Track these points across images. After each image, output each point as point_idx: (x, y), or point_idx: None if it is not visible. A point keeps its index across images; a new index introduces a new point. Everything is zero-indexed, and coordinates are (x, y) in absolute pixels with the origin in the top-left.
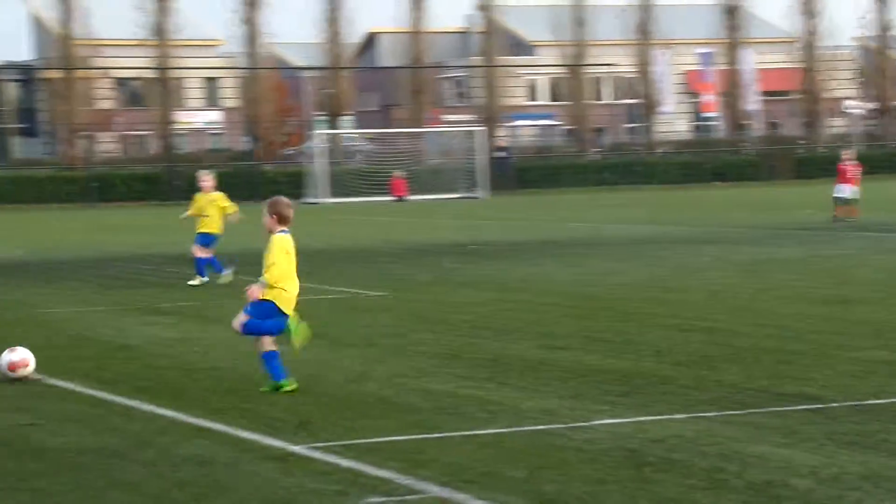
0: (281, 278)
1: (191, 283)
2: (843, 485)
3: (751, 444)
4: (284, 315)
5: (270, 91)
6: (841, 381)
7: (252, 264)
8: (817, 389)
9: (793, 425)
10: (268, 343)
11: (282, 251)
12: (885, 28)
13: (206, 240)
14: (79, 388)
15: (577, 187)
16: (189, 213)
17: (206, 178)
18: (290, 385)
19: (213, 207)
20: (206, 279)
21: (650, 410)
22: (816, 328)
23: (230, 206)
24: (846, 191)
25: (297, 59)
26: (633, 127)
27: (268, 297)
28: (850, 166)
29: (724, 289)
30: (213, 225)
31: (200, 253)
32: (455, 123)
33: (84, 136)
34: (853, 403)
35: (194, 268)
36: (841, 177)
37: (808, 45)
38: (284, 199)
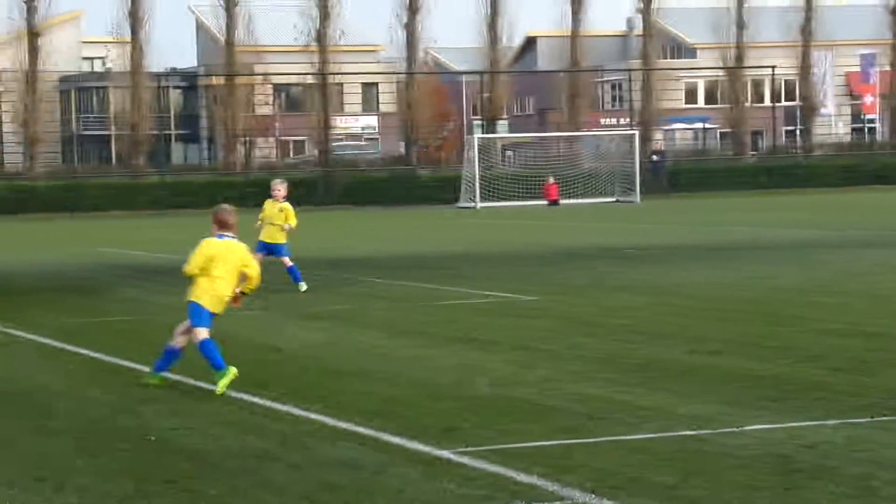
0: (195, 277)
1: (302, 290)
2: None
3: None
4: (211, 314)
5: (428, 95)
6: None
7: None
8: None
9: None
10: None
11: (201, 254)
12: None
13: (267, 248)
14: (229, 391)
15: (731, 191)
16: (260, 218)
17: (279, 187)
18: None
19: (280, 217)
20: (303, 284)
21: (803, 416)
22: None
23: (291, 219)
24: None
25: (455, 64)
26: (791, 130)
27: (192, 299)
28: None
29: (886, 293)
30: (276, 234)
31: (290, 262)
32: (610, 127)
33: (243, 142)
34: None
35: (291, 277)
36: None
37: None
38: (226, 207)
